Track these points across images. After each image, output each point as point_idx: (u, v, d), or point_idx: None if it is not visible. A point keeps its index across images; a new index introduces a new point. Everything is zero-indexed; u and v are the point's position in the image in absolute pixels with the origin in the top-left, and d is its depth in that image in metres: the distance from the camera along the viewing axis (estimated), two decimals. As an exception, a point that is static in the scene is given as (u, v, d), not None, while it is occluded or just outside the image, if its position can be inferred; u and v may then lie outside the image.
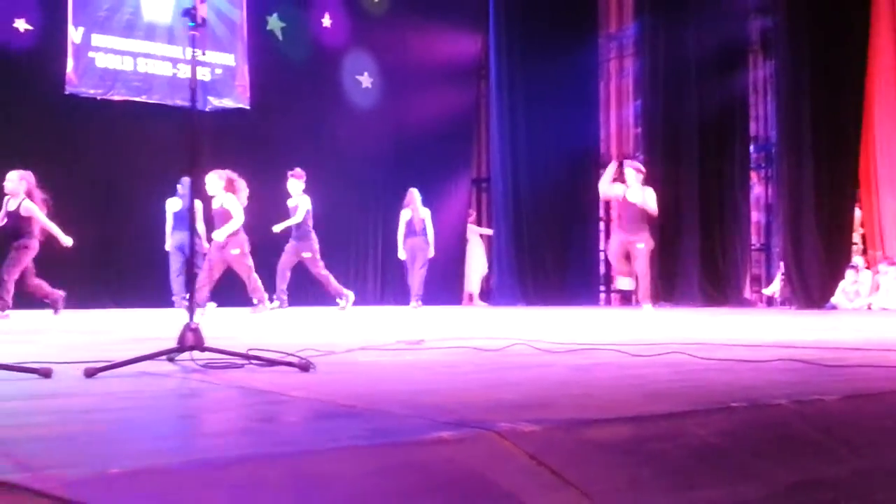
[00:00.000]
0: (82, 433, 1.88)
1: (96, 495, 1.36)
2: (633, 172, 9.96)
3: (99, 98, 11.54)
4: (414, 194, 12.26)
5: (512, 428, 1.83)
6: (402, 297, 12.85)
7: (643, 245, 9.95)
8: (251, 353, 3.18)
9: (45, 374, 2.76)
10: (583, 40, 14.72)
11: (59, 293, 9.17)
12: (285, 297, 10.43)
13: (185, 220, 10.93)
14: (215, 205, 9.58)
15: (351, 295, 10.68)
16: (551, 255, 14.33)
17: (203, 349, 3.09)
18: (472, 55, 15.31)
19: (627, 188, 9.94)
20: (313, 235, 10.62)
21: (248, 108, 12.68)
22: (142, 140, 11.53)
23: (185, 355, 3.14)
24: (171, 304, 10.95)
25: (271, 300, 10.06)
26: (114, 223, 11.47)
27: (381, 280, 13.96)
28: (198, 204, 9.05)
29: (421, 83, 14.27)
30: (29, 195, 8.93)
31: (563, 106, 14.25)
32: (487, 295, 14.96)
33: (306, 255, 10.56)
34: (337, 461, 1.65)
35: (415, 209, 12.20)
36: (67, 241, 9.07)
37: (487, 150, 15.48)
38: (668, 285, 12.82)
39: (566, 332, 5.81)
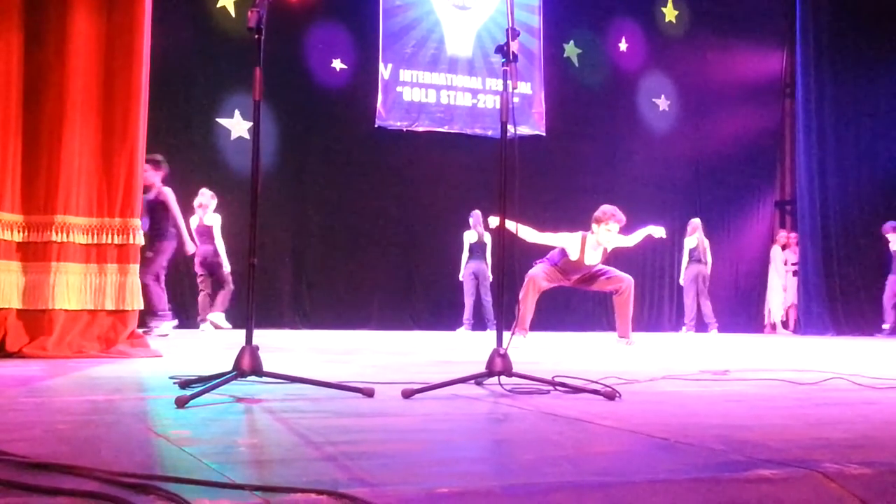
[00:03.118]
0: (406, 452, 1.98)
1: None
2: None
3: (405, 129, 12.21)
4: (699, 223, 12.50)
5: (839, 469, 1.74)
6: (699, 324, 12.50)
7: None
8: (556, 379, 3.22)
9: (369, 393, 2.95)
10: (902, 53, 13.68)
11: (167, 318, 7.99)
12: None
13: (479, 250, 11.44)
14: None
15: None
16: (865, 282, 13.39)
17: (511, 374, 3.15)
18: (776, 72, 14.68)
19: None
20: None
21: (543, 134, 12.89)
22: (443, 168, 12.09)
23: (493, 379, 3.23)
24: (457, 326, 11.34)
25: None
26: (416, 245, 12.06)
27: (676, 305, 13.63)
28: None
29: (721, 103, 13.89)
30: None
31: (879, 124, 13.32)
32: (791, 323, 14.20)
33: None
34: (653, 493, 1.62)
35: (700, 238, 12.41)
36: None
37: (792, 172, 14.68)
38: None
39: (887, 365, 5.38)
